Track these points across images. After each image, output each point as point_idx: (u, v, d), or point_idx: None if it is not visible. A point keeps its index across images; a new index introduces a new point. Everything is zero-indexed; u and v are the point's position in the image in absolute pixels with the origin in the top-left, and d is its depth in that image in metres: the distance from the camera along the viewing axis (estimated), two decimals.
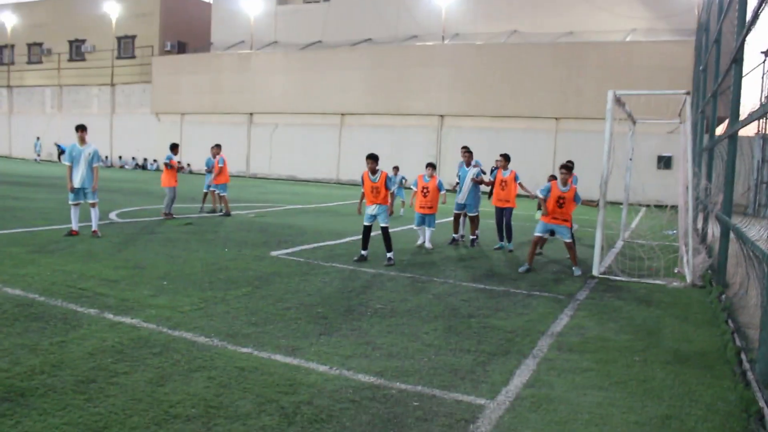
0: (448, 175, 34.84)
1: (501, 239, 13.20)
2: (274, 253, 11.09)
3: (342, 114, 37.65)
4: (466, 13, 37.27)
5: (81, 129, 12.00)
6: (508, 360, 5.80)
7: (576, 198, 10.64)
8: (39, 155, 46.90)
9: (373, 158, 11.04)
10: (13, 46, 52.27)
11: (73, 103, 49.18)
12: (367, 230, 11.12)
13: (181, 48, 46.78)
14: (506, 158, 13.32)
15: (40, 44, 51.04)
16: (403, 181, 19.39)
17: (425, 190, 12.65)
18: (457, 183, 13.80)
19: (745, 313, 7.25)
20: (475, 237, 13.46)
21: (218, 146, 17.59)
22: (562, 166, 10.70)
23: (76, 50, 49.44)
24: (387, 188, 10.98)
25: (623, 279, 10.20)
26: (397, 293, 8.42)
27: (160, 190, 18.00)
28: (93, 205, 12.09)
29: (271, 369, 5.23)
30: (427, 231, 12.79)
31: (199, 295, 7.70)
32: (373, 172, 10.97)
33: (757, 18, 7.53)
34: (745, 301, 7.49)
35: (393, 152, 35.36)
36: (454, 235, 13.77)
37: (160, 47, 45.69)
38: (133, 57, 46.81)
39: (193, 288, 8.05)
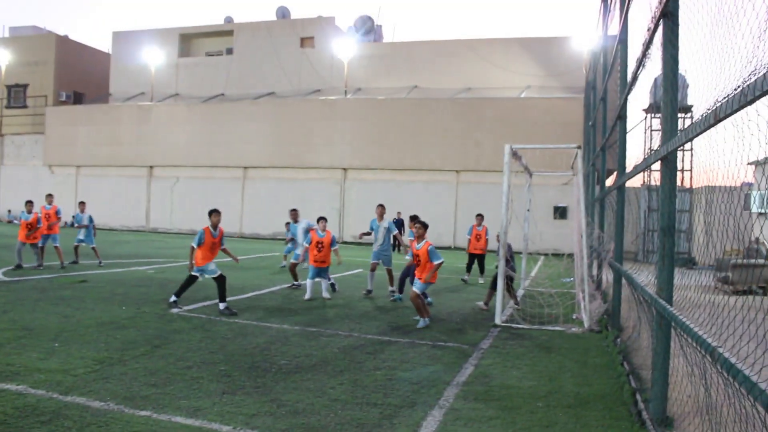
0: (352, 227, 35.05)
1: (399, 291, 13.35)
2: (174, 311, 10.71)
3: (245, 167, 37.35)
4: (367, 68, 38.18)
5: None
6: (414, 412, 5.79)
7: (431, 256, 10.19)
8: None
9: (216, 212, 11.16)
10: None
11: None
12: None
13: (77, 98, 45.35)
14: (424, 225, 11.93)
15: None
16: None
17: (320, 245, 12.87)
18: (368, 233, 14.48)
19: (638, 355, 7.57)
20: (393, 290, 13.46)
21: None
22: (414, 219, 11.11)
23: None
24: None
25: (525, 326, 10.45)
26: (301, 348, 8.30)
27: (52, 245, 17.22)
28: None
29: None
30: (324, 283, 13.17)
31: (93, 356, 7.31)
32: (215, 227, 11.04)
33: (636, 79, 8.08)
34: (638, 344, 7.83)
35: (296, 205, 35.27)
36: (368, 288, 13.97)
37: (54, 97, 44.12)
38: (25, 107, 44.95)
39: (88, 349, 7.64)
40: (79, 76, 46.03)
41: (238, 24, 42.43)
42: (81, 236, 17.95)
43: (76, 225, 18.53)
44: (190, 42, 43.93)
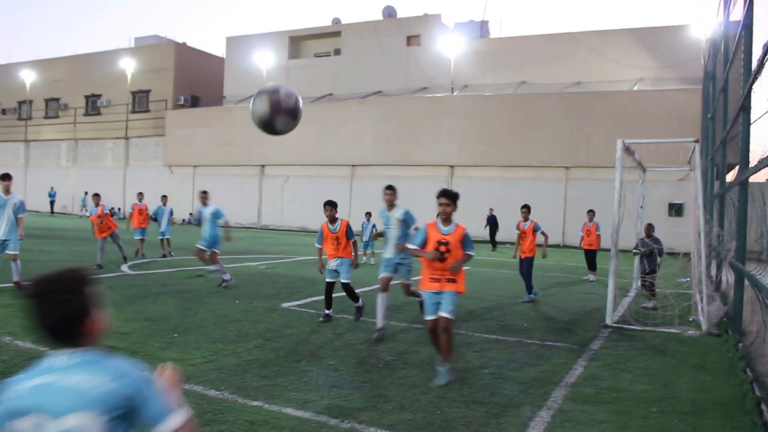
0: (462, 221, 34.89)
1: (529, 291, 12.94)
2: (284, 305, 11.06)
3: (352, 165, 37.96)
4: (474, 64, 37.87)
5: (4, 178, 11.45)
6: (521, 412, 5.71)
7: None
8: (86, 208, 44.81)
9: (331, 205, 9.81)
10: (31, 102, 53.41)
11: (87, 156, 49.92)
12: (330, 287, 9.79)
13: (194, 102, 47.62)
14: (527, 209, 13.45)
15: (57, 99, 52.14)
16: (374, 229, 18.85)
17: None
18: (381, 233, 10.19)
19: (763, 362, 7.13)
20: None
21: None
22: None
23: (92, 105, 50.46)
24: (348, 238, 9.77)
25: (637, 328, 10.08)
26: (408, 345, 8.35)
27: (172, 242, 18.13)
28: (14, 258, 11.49)
29: (281, 422, 5.17)
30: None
31: (209, 347, 7.66)
32: (333, 221, 9.81)
33: (763, 66, 7.60)
34: (762, 350, 7.37)
35: (403, 202, 35.48)
36: (379, 325, 9.04)
37: (173, 101, 46.53)
38: (147, 111, 47.68)
39: (204, 340, 8.02)
40: (195, 81, 48.31)
41: (345, 25, 43.18)
42: (162, 228, 19.46)
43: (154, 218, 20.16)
44: (299, 44, 45.10)
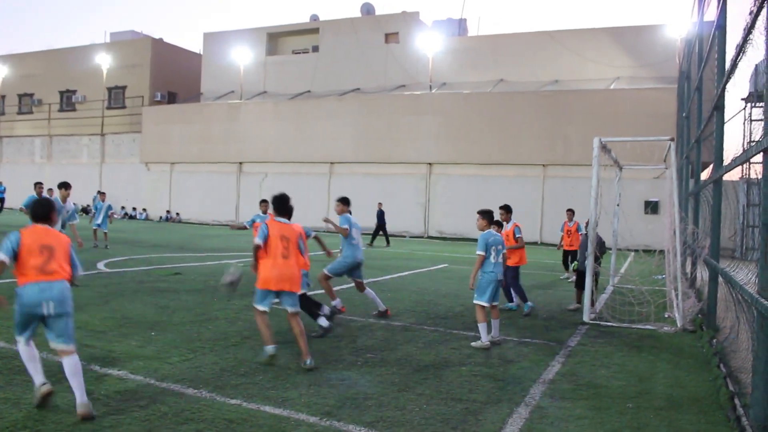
0: (438, 222, 35.03)
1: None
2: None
3: (331, 163, 37.89)
4: (452, 62, 37.97)
5: (66, 187, 11.90)
6: (499, 409, 5.74)
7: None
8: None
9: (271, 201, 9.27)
10: (3, 97, 52.56)
11: (62, 152, 49.29)
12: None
13: (171, 98, 47.23)
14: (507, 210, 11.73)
15: (30, 95, 51.38)
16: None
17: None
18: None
19: (736, 357, 7.24)
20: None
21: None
22: None
23: (67, 101, 49.80)
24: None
25: (614, 324, 10.18)
26: (387, 342, 8.36)
27: (148, 239, 17.89)
28: None
29: (260, 421, 5.15)
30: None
31: (187, 345, 7.61)
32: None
33: (736, 66, 7.70)
34: (736, 345, 7.48)
35: (382, 200, 35.54)
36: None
37: (150, 97, 46.10)
38: (123, 107, 47.18)
39: (182, 339, 7.96)
40: (172, 77, 47.90)
41: (323, 22, 43.06)
42: (98, 221, 20.55)
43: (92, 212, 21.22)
44: (277, 41, 44.89)
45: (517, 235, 11.46)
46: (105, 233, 20.65)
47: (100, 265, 15.36)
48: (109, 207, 21.20)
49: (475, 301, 8.56)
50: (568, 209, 16.99)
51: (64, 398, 5.44)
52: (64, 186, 13.21)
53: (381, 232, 28.36)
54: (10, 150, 52.03)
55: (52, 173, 48.18)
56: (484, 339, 8.26)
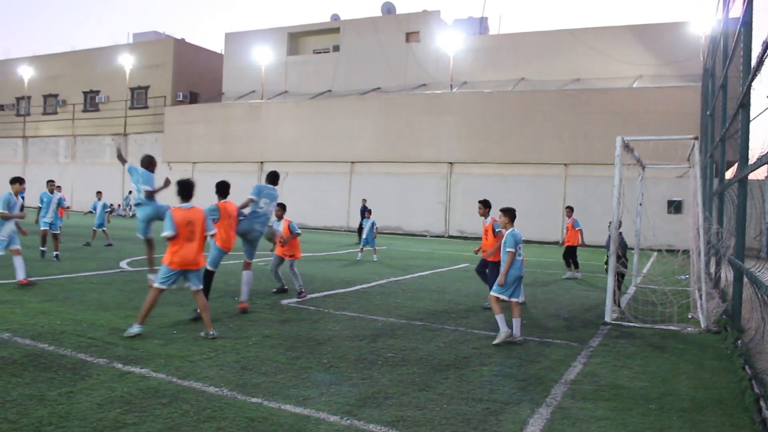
0: (458, 221, 34.93)
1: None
2: (284, 302, 11.06)
3: (352, 162, 37.94)
4: (473, 61, 37.85)
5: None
6: (521, 409, 5.70)
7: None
8: (130, 207, 43.80)
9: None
10: (29, 98, 53.34)
11: (86, 152, 49.88)
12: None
13: (192, 98, 47.60)
14: (485, 205, 11.51)
15: (55, 95, 52.12)
16: (375, 227, 19.51)
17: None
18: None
19: (762, 359, 7.13)
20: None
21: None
22: None
23: (91, 101, 50.43)
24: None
25: (636, 325, 10.08)
26: (407, 341, 8.35)
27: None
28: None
29: (281, 419, 5.17)
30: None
31: (208, 344, 7.65)
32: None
33: (762, 64, 7.59)
34: (761, 347, 7.37)
35: (402, 199, 35.51)
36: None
37: (172, 97, 46.51)
38: (146, 107, 47.65)
39: (204, 337, 8.01)
40: (194, 77, 48.28)
41: (344, 21, 43.12)
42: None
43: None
44: (298, 40, 45.04)
45: (496, 230, 11.07)
46: (104, 231, 21.03)
47: (123, 264, 15.51)
48: (105, 206, 21.36)
49: (493, 293, 8.59)
50: (567, 206, 17.06)
51: (89, 395, 5.50)
52: (18, 181, 12.52)
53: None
54: (35, 150, 52.75)
55: (76, 173, 48.84)
56: (504, 328, 8.37)
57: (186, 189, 8.03)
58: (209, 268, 9.58)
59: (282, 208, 12.14)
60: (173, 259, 7.80)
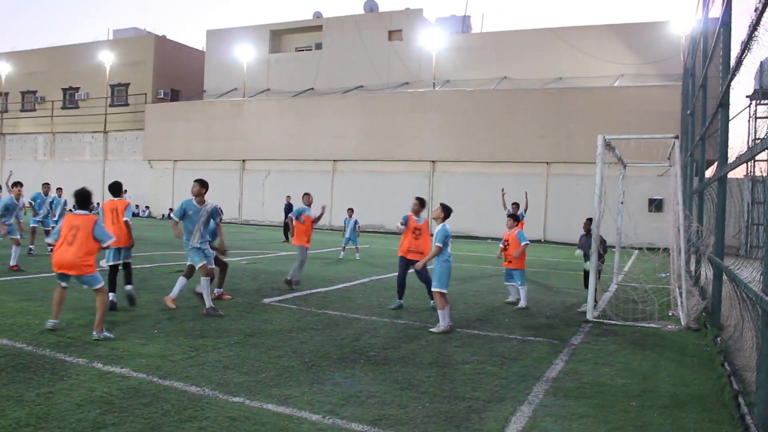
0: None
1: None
2: (266, 301, 11.01)
3: (334, 160, 37.87)
4: (456, 60, 37.90)
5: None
6: (503, 407, 5.72)
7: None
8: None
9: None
10: (6, 94, 52.65)
11: (65, 150, 49.35)
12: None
13: (174, 96, 47.26)
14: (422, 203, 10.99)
15: (33, 92, 51.47)
16: (357, 226, 19.67)
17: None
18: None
19: (741, 356, 7.21)
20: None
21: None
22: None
23: (70, 98, 49.86)
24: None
25: (618, 323, 10.15)
26: (389, 340, 8.34)
27: (151, 236, 17.90)
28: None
29: (263, 419, 5.14)
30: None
31: (190, 343, 7.60)
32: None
33: (741, 64, 7.66)
34: (740, 344, 7.45)
35: (385, 198, 35.47)
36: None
37: (153, 95, 46.11)
38: (126, 104, 47.21)
39: (185, 336, 7.95)
40: (175, 74, 47.93)
41: (326, 19, 42.97)
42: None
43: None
44: (281, 38, 44.87)
45: (522, 242, 11.46)
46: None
47: (103, 263, 15.34)
48: (65, 203, 19.04)
49: (435, 289, 9.10)
50: (513, 203, 16.97)
51: (68, 395, 5.44)
52: (19, 185, 14.52)
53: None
54: (13, 147, 52.10)
55: (55, 171, 48.29)
56: (445, 322, 9.05)
57: (82, 198, 8.10)
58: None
59: (309, 196, 13.86)
60: (54, 260, 7.85)
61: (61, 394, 5.47)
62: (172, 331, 8.25)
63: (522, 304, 11.42)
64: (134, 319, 8.90)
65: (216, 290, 10.86)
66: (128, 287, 10.17)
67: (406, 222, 10.83)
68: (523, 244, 11.37)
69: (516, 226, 11.76)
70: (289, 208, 27.26)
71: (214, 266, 10.22)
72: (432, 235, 9.73)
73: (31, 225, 17.32)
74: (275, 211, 38.97)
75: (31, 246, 16.83)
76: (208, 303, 9.62)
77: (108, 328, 7.97)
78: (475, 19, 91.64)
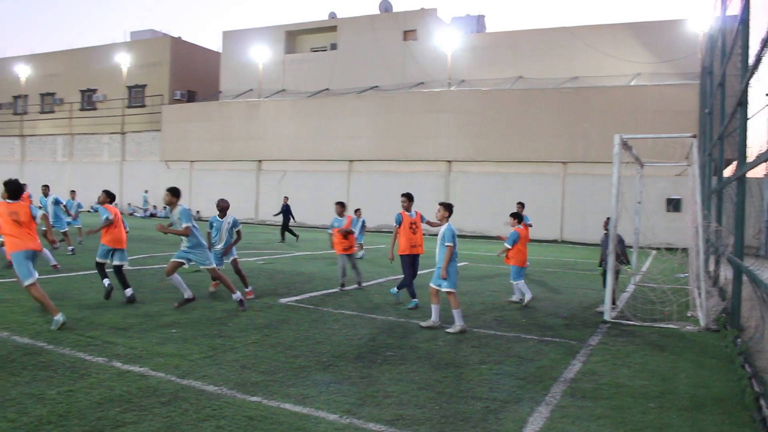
0: (458, 219, 34.89)
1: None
2: (282, 301, 11.04)
3: (350, 161, 37.89)
4: (471, 59, 37.81)
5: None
6: (520, 408, 5.70)
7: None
8: (146, 210, 43.83)
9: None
10: (26, 96, 53.23)
11: (83, 151, 49.76)
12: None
13: (190, 96, 47.53)
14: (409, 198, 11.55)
15: (52, 94, 51.99)
16: (364, 225, 19.50)
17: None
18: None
19: (762, 358, 7.14)
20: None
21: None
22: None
23: (88, 100, 50.31)
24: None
25: (636, 323, 10.08)
26: (407, 340, 8.34)
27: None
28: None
29: (280, 418, 5.16)
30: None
31: (207, 343, 7.64)
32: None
33: (760, 62, 7.59)
34: (761, 345, 7.38)
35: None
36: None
37: (169, 96, 46.43)
38: (143, 106, 47.55)
39: (202, 336, 8.00)
40: (192, 75, 48.21)
41: (341, 19, 43.05)
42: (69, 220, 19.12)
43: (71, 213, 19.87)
44: (296, 39, 44.98)
45: (424, 221, 11.62)
46: (79, 229, 20.33)
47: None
48: (79, 205, 20.85)
49: (433, 285, 9.29)
50: (519, 202, 16.01)
51: (88, 394, 5.49)
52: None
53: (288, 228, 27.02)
54: (32, 149, 52.63)
55: (73, 172, 48.77)
56: (436, 319, 9.26)
57: (12, 188, 8.36)
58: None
59: (341, 205, 13.45)
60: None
61: (81, 393, 5.53)
62: (190, 331, 8.29)
63: (514, 298, 11.92)
64: (152, 319, 8.96)
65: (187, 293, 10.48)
66: (127, 291, 10.34)
67: (400, 221, 11.28)
68: (505, 245, 11.83)
69: (517, 225, 11.91)
70: (286, 208, 27.15)
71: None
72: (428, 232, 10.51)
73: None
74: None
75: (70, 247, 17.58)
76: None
77: (125, 329, 8.02)
78: (490, 19, 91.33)
